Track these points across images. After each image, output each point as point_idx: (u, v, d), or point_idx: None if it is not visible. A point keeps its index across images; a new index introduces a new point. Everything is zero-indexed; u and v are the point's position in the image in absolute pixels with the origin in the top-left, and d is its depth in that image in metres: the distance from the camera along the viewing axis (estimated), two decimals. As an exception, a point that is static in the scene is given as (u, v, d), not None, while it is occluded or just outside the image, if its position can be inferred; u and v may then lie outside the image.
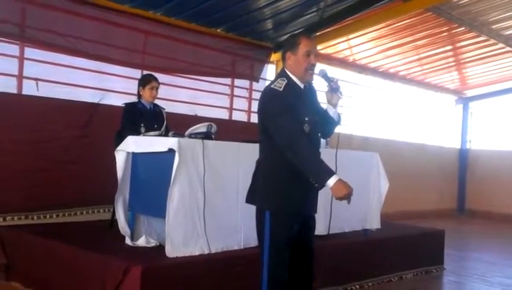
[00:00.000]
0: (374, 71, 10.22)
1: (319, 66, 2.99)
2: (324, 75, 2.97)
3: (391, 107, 10.97)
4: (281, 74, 2.94)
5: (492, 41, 9.16)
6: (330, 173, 2.67)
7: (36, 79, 5.71)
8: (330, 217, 3.01)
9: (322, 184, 2.68)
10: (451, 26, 8.54)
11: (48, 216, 5.45)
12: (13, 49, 5.66)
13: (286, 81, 2.86)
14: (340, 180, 2.67)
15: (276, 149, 2.81)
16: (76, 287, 3.72)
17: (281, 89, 2.81)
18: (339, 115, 3.03)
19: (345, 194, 2.67)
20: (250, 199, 2.97)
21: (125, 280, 3.34)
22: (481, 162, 12.50)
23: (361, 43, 8.96)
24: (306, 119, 2.83)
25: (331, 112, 2.99)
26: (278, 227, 2.79)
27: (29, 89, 5.68)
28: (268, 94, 2.86)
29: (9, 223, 5.07)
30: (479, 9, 7.94)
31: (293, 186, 2.82)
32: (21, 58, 5.68)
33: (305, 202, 2.89)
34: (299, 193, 2.83)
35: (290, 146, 2.72)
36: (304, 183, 2.77)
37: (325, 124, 3.01)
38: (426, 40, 9.00)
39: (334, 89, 2.95)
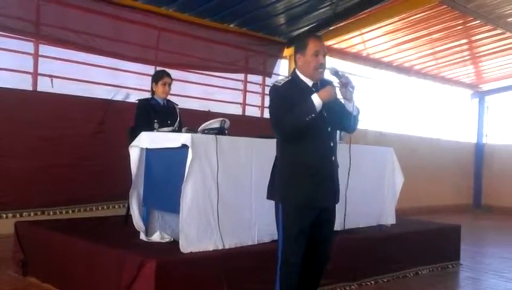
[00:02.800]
0: (388, 65, 10.14)
1: (332, 62, 2.99)
2: (334, 72, 3.00)
3: (406, 101, 10.88)
4: (290, 74, 3.11)
5: (508, 34, 9.03)
6: (309, 100, 2.85)
7: (51, 76, 5.77)
8: (345, 212, 3.01)
9: (314, 109, 2.84)
10: (467, 19, 8.44)
11: (63, 212, 5.52)
12: (28, 46, 5.72)
13: (289, 78, 3.05)
14: (318, 92, 2.88)
15: (288, 147, 3.00)
16: (92, 281, 3.75)
17: (280, 85, 2.99)
18: (357, 109, 3.04)
19: (331, 92, 2.90)
20: (269, 195, 3.10)
21: (140, 274, 3.35)
22: (497, 157, 12.35)
23: (375, 37, 8.89)
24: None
25: (348, 106, 3.01)
26: (289, 218, 2.95)
27: (44, 85, 5.75)
28: (270, 91, 3.05)
29: (26, 218, 5.14)
30: (494, 2, 7.82)
31: (306, 180, 2.94)
32: (36, 55, 5.74)
33: (316, 195, 2.95)
34: (308, 186, 2.94)
35: (276, 124, 2.91)
36: (314, 176, 2.92)
37: (342, 118, 3.04)
38: (441, 33, 8.91)
39: (344, 84, 2.98)
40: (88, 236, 4.10)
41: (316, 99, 2.86)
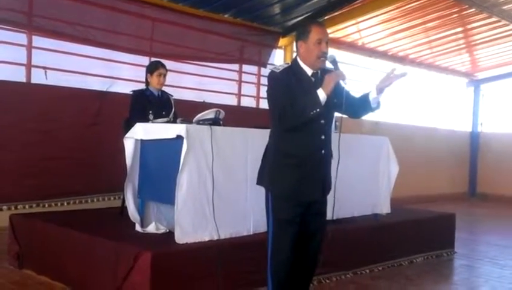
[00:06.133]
0: (383, 55, 10.12)
1: (330, 51, 2.98)
2: (333, 61, 2.95)
3: (401, 90, 10.87)
4: (291, 61, 3.04)
5: (503, 22, 9.02)
6: (313, 94, 2.80)
7: (44, 68, 5.74)
8: (334, 203, 3.01)
9: (320, 104, 2.78)
10: (462, 7, 8.42)
11: (59, 204, 5.53)
12: (21, 37, 5.68)
13: (288, 65, 2.98)
14: (323, 85, 2.81)
15: (278, 134, 2.96)
16: (88, 273, 3.76)
17: (278, 71, 2.91)
18: (378, 103, 3.04)
19: (335, 79, 2.81)
20: (258, 181, 3.09)
21: (136, 265, 3.36)
22: (493, 145, 12.39)
23: (370, 26, 8.87)
24: None
25: (374, 98, 2.99)
26: (279, 208, 2.94)
27: (38, 77, 5.72)
28: (268, 77, 2.99)
29: (21, 211, 5.15)
30: (489, -11, 7.82)
31: (291, 171, 2.92)
32: (29, 47, 5.71)
33: (301, 188, 2.92)
34: (297, 178, 2.91)
35: (282, 116, 2.83)
36: (299, 168, 2.89)
37: (353, 104, 3.03)
38: (436, 22, 8.89)
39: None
40: (84, 228, 4.09)
41: (322, 94, 2.79)
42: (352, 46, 9.46)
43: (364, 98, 3.01)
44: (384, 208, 5.27)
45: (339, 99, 2.94)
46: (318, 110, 2.79)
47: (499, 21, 8.98)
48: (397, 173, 5.31)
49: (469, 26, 9.37)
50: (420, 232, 5.49)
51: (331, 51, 3.03)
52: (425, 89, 11.52)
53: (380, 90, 2.96)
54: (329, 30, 8.29)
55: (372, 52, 9.89)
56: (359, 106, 3.04)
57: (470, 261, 5.68)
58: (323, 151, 2.98)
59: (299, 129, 2.88)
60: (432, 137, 11.32)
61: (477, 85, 12.81)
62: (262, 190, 3.08)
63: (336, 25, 8.19)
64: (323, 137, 2.96)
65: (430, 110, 11.69)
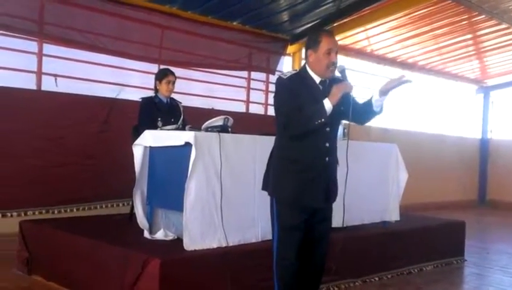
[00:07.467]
0: (392, 61, 10.11)
1: (338, 59, 2.98)
2: (342, 71, 2.96)
3: (410, 97, 10.84)
4: (300, 68, 3.06)
5: (513, 29, 8.98)
6: (320, 104, 2.80)
7: (55, 75, 5.79)
8: (344, 209, 2.99)
9: (325, 114, 2.79)
10: (471, 14, 8.39)
11: (68, 210, 5.55)
12: (32, 45, 5.74)
13: (296, 72, 2.99)
14: (330, 95, 2.82)
15: (282, 140, 2.97)
16: (97, 279, 3.77)
17: (286, 77, 2.93)
18: (381, 107, 3.00)
19: (342, 90, 2.82)
20: (264, 186, 3.10)
21: (145, 272, 3.36)
22: (503, 152, 12.29)
23: (379, 33, 8.86)
24: None
25: (377, 101, 2.95)
26: (283, 214, 2.94)
27: (48, 85, 5.78)
28: (276, 83, 3.01)
29: (31, 217, 5.18)
30: (499, -4, 7.79)
31: (295, 178, 2.92)
32: (40, 55, 5.76)
33: (307, 194, 2.92)
34: (300, 184, 2.91)
35: (287, 123, 2.86)
36: (302, 175, 2.90)
37: (359, 111, 3.00)
38: (445, 28, 8.86)
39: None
40: (92, 234, 4.11)
41: (328, 104, 2.80)
42: (361, 53, 9.46)
43: (368, 103, 3.00)
44: (394, 216, 5.25)
45: (346, 107, 2.93)
46: (323, 120, 2.80)
47: (508, 28, 8.94)
48: (406, 180, 5.29)
49: (478, 33, 9.33)
50: (430, 240, 5.45)
51: (340, 58, 3.03)
52: (435, 96, 11.48)
53: (382, 93, 2.93)
54: (338, 37, 8.31)
55: (381, 59, 9.88)
56: (364, 112, 3.03)
57: (480, 269, 5.62)
58: (327, 159, 2.97)
59: (303, 136, 2.88)
60: (441, 144, 11.26)
61: (487, 92, 12.74)
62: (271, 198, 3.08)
63: (345, 32, 8.19)
64: (327, 144, 2.96)
65: (439, 117, 11.63)
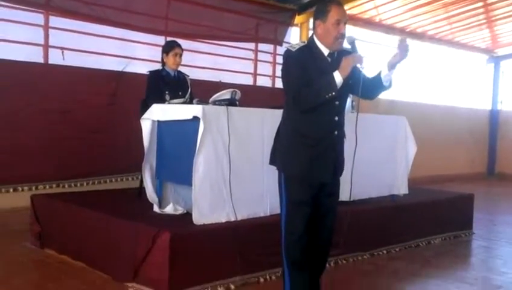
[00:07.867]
0: (401, 31, 9.92)
1: (348, 31, 2.92)
2: (352, 42, 2.90)
3: (419, 68, 10.71)
4: (308, 40, 2.98)
5: (526, -4, 8.79)
6: (330, 77, 2.76)
7: (62, 48, 5.75)
8: (351, 183, 2.98)
9: (335, 87, 2.75)
10: (482, -19, 8.21)
11: (78, 184, 5.60)
12: (38, 18, 5.69)
13: (304, 43, 2.93)
14: (340, 68, 2.76)
15: (291, 114, 2.93)
16: (108, 253, 3.82)
17: (294, 50, 2.86)
18: (390, 82, 2.97)
19: (352, 62, 2.77)
20: (271, 161, 3.08)
21: (155, 246, 3.41)
22: (513, 124, 12.19)
23: (387, 2, 8.70)
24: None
25: (386, 75, 2.92)
26: (291, 189, 2.93)
27: (55, 58, 5.74)
28: (284, 55, 2.94)
29: (42, 191, 5.22)
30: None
31: (304, 152, 2.89)
32: (46, 28, 5.71)
33: (312, 169, 2.90)
34: (309, 159, 2.89)
35: (296, 97, 2.81)
36: (311, 150, 2.87)
37: (369, 86, 2.95)
38: (456, -4, 8.69)
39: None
40: (103, 209, 4.15)
41: (338, 77, 2.75)
42: (369, 23, 9.30)
43: (377, 77, 2.95)
44: (402, 189, 5.24)
45: (355, 80, 2.89)
46: (333, 93, 2.76)
47: (520, -5, 8.75)
48: (415, 153, 5.26)
49: (489, 1, 9.14)
50: (438, 213, 5.46)
51: (348, 28, 2.96)
52: (444, 66, 11.32)
53: (391, 67, 2.89)
54: (346, 7, 8.14)
55: (389, 29, 9.71)
56: (373, 87, 2.98)
57: (487, 242, 5.64)
58: (336, 133, 2.95)
59: (313, 110, 2.84)
60: (450, 116, 11.17)
61: (497, 62, 12.55)
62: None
63: (353, 1, 8.05)
64: (336, 118, 2.92)
65: (448, 88, 11.50)
